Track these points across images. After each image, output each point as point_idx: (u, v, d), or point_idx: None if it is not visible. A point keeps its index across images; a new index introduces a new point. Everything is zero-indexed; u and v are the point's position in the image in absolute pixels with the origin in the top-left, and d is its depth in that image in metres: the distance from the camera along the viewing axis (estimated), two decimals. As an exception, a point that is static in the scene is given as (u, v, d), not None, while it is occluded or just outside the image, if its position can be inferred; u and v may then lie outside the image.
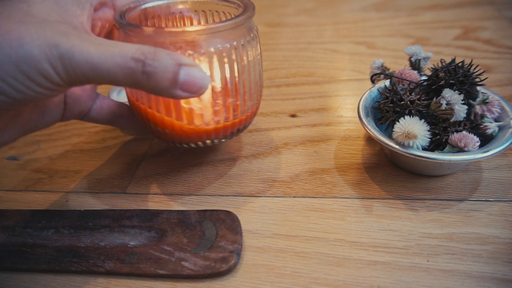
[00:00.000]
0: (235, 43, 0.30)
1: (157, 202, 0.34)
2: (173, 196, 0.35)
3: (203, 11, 0.36)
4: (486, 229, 0.28)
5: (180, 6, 0.36)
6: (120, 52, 0.23)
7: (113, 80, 0.24)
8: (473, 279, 0.25)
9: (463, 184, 0.32)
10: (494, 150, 0.28)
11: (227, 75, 0.30)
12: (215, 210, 0.32)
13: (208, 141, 0.33)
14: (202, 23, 0.36)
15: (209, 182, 0.36)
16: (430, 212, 0.30)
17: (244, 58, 0.31)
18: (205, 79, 0.25)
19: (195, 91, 0.25)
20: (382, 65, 0.37)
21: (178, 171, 0.38)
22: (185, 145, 0.34)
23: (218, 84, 0.30)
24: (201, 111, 0.31)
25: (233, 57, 0.30)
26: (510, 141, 0.29)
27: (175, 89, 0.24)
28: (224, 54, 0.29)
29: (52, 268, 0.29)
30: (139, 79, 0.24)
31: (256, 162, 0.37)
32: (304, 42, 0.60)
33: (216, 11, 0.35)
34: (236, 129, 0.34)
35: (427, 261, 0.27)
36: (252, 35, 0.31)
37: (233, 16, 0.33)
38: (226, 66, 0.30)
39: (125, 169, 0.39)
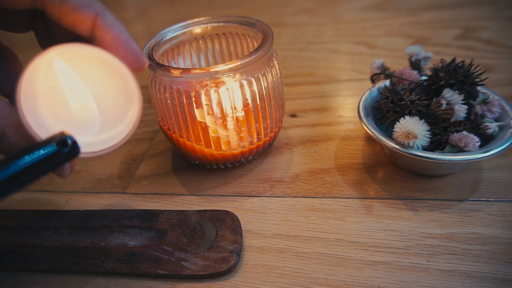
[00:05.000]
0: (256, 75, 0.31)
1: (157, 202, 0.34)
2: (173, 196, 0.35)
3: (223, 34, 0.37)
4: (487, 229, 0.28)
5: (200, 31, 0.37)
6: None
7: None
8: (473, 279, 0.25)
9: (463, 184, 0.32)
10: (494, 150, 0.28)
11: (250, 104, 0.31)
12: (215, 210, 0.31)
13: (236, 163, 0.36)
14: (224, 46, 0.38)
15: (209, 182, 0.36)
16: (430, 212, 0.30)
17: (265, 85, 0.32)
18: (62, 173, 0.25)
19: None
20: (382, 65, 0.37)
21: (178, 171, 0.38)
22: (214, 167, 0.36)
23: (241, 113, 0.32)
24: (227, 139, 0.33)
25: (254, 88, 0.31)
26: (511, 141, 0.29)
27: None
28: (246, 87, 0.31)
29: (52, 268, 0.29)
30: None
31: (256, 162, 0.37)
32: (304, 42, 0.60)
33: (236, 33, 0.37)
34: (261, 149, 0.36)
35: (427, 261, 0.26)
36: (271, 63, 0.33)
37: (252, 38, 0.36)
38: (248, 96, 0.31)
39: (125, 169, 0.39)
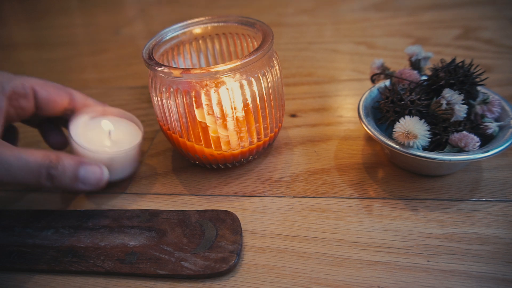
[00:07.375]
0: (256, 75, 0.31)
1: (157, 202, 0.34)
2: (173, 196, 0.35)
3: (223, 34, 0.37)
4: (487, 229, 0.28)
5: (200, 31, 0.37)
6: (33, 159, 0.28)
7: (23, 182, 0.29)
8: (473, 279, 0.25)
9: (463, 184, 0.32)
10: (494, 150, 0.28)
11: (250, 104, 0.31)
12: (215, 210, 0.31)
13: (236, 163, 0.36)
14: (224, 46, 0.38)
15: (209, 182, 0.36)
16: (430, 212, 0.30)
17: (265, 85, 0.32)
18: (103, 174, 0.32)
19: (95, 184, 0.31)
20: (382, 65, 0.37)
21: (178, 171, 0.38)
22: (214, 167, 0.36)
23: (241, 113, 0.32)
24: (227, 139, 0.33)
25: (254, 88, 0.31)
26: (510, 141, 0.29)
27: (76, 183, 0.30)
28: (246, 87, 0.31)
29: (52, 268, 0.29)
30: (43, 181, 0.29)
31: (256, 162, 0.37)
32: (304, 42, 0.60)
33: (236, 33, 0.37)
34: (261, 149, 0.36)
35: (427, 261, 0.26)
36: (271, 63, 0.33)
37: (252, 38, 0.36)
38: (248, 96, 0.31)
39: (125, 169, 0.39)
